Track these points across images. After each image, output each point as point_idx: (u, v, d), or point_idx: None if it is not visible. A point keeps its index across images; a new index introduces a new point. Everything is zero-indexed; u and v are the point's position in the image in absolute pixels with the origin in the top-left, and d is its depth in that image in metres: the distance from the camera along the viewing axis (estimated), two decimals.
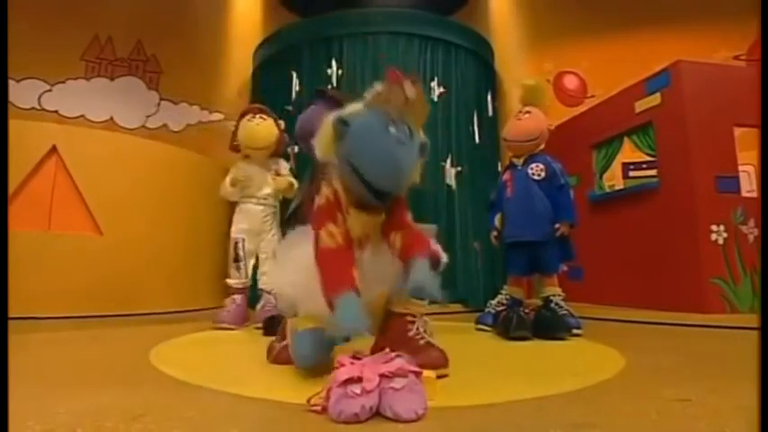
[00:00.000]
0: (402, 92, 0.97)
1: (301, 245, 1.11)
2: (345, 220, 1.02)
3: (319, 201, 1.06)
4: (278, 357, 1.16)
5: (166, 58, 4.26)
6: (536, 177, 1.94)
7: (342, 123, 0.98)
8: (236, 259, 2.25)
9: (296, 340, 1.05)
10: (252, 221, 2.28)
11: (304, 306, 1.06)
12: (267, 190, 2.32)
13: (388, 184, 0.98)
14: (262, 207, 2.31)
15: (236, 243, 2.26)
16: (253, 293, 2.29)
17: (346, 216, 1.03)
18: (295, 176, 2.36)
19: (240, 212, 2.31)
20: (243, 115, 2.35)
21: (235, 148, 2.37)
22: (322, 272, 0.96)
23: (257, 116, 2.32)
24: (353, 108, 1.02)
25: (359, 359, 0.80)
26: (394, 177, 0.98)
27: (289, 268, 1.14)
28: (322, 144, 1.03)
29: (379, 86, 1.00)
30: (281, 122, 2.41)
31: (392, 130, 0.95)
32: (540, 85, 2.14)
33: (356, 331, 0.82)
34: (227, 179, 2.29)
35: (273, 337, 1.27)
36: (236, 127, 2.33)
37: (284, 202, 2.46)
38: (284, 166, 2.41)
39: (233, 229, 2.30)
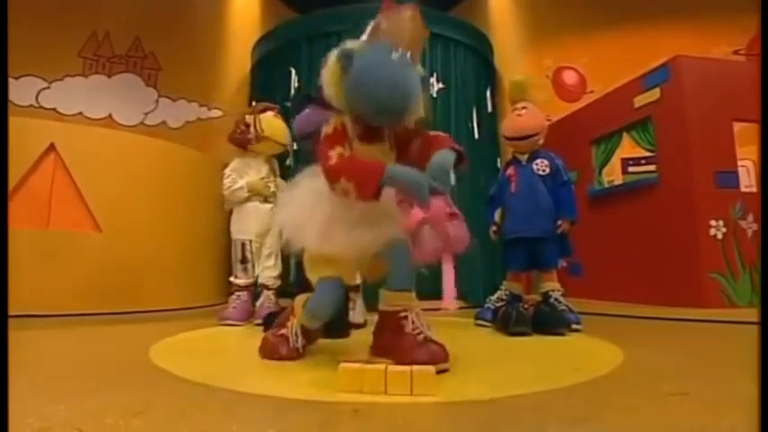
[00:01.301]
0: (400, 19, 1.02)
1: (306, 182, 1.12)
2: (351, 149, 1.06)
3: (326, 130, 1.08)
4: (274, 353, 1.16)
5: (165, 54, 4.24)
6: (541, 173, 1.95)
7: (346, 57, 1.04)
8: (244, 261, 2.20)
9: (316, 291, 1.10)
10: (261, 220, 2.22)
11: (308, 241, 1.07)
12: (273, 187, 2.29)
13: (396, 103, 1.02)
14: (270, 205, 2.28)
15: (244, 245, 2.20)
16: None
17: (351, 147, 1.06)
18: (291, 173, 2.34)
19: (246, 211, 2.23)
20: (265, 110, 2.31)
21: (254, 138, 2.24)
22: (351, 174, 0.97)
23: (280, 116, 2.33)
24: (354, 44, 1.07)
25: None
26: (401, 96, 1.02)
27: (294, 203, 1.14)
28: (328, 81, 1.09)
29: (377, 19, 1.05)
30: None
31: (395, 55, 1.00)
32: (527, 81, 2.13)
33: (421, 183, 0.91)
34: (242, 182, 2.22)
35: None
36: (258, 119, 2.24)
37: None
38: (276, 166, 2.40)
39: (237, 228, 2.23)
